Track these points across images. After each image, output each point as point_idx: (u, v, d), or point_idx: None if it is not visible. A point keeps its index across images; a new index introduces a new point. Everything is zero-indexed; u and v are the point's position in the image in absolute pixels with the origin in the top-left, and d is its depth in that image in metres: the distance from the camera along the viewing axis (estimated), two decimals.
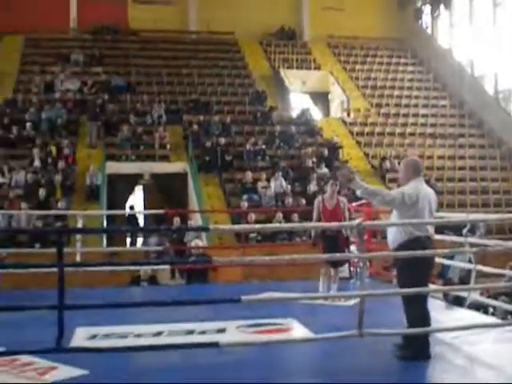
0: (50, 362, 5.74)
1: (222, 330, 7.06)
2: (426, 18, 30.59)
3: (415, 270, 5.91)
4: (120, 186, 21.68)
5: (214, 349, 5.76)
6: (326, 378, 5.57)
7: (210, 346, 5.66)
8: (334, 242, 8.84)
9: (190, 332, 7.01)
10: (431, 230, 6.15)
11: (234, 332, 7.03)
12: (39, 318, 6.38)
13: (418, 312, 5.98)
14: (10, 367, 5.70)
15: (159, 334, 6.95)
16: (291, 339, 6.63)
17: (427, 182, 6.49)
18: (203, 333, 6.99)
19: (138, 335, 6.89)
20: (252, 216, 16.25)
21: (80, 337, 6.76)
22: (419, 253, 5.72)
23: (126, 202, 23.97)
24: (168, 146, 21.16)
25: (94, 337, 6.87)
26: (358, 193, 6.13)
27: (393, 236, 6.12)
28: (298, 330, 7.06)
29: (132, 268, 11.02)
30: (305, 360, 6.22)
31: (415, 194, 5.98)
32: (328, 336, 5.79)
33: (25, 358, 5.82)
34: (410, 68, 29.03)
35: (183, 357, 5.98)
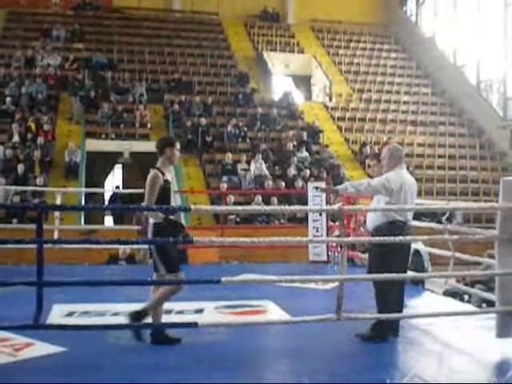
0: (27, 338, 5.72)
1: (199, 311, 7.09)
2: (411, 4, 30.59)
3: (390, 254, 5.96)
4: (99, 164, 21.58)
5: (192, 329, 5.78)
6: (300, 360, 5.61)
7: (188, 326, 5.65)
8: None
9: (168, 312, 6.96)
10: (410, 217, 6.20)
11: (212, 313, 7.05)
12: (15, 295, 6.36)
13: (389, 298, 6.04)
14: None
15: None
16: (269, 321, 6.64)
17: (406, 169, 6.53)
18: (181, 312, 7.00)
19: (116, 313, 6.87)
20: (231, 198, 16.25)
21: (57, 314, 6.75)
22: (399, 238, 5.77)
23: (105, 179, 23.89)
24: (148, 125, 21.00)
25: (71, 314, 6.87)
26: (347, 193, 6.22)
27: (372, 218, 6.22)
28: (276, 313, 7.09)
29: (110, 246, 10.97)
30: (281, 342, 6.24)
31: (399, 182, 6.08)
32: (306, 319, 5.80)
33: (1, 334, 5.79)
34: (393, 55, 29.03)
35: None
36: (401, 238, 5.68)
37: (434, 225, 7.45)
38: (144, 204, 5.77)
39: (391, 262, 5.94)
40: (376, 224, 6.17)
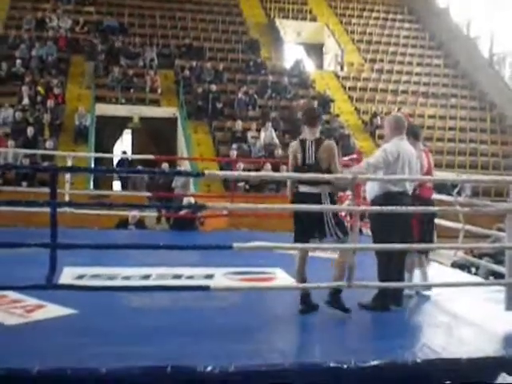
0: (39, 300, 5.75)
1: (209, 276, 7.11)
2: None
3: (389, 224, 6.00)
4: (108, 129, 21.57)
5: (202, 294, 5.81)
6: (309, 327, 5.65)
7: (200, 289, 5.67)
8: None
9: (178, 276, 7.04)
10: (409, 186, 6.23)
11: (221, 278, 7.07)
12: (26, 257, 6.38)
13: (389, 267, 6.09)
14: None
15: (147, 277, 7.00)
16: (280, 287, 6.67)
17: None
18: (191, 278, 7.03)
19: (126, 277, 6.92)
20: (241, 165, 16.22)
21: (67, 276, 6.76)
22: (404, 209, 5.79)
23: (113, 144, 23.90)
24: (159, 91, 20.96)
25: (81, 277, 6.90)
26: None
27: (369, 189, 6.31)
28: (286, 280, 7.11)
29: (122, 212, 11.02)
30: (291, 309, 6.26)
31: (396, 152, 6.11)
32: (317, 285, 5.82)
33: (13, 295, 5.84)
34: (406, 25, 28.74)
35: (172, 300, 6.02)
36: (405, 208, 5.70)
37: (444, 197, 7.42)
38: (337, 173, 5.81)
39: (390, 232, 5.96)
40: (372, 195, 6.25)
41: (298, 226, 5.91)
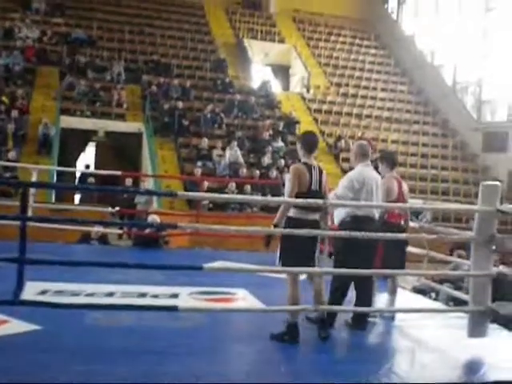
0: (1, 314, 5.65)
1: (174, 296, 7.06)
2: (393, 2, 30.72)
3: (350, 248, 6.08)
4: (72, 142, 21.34)
5: (164, 313, 5.80)
6: (273, 348, 5.67)
7: (169, 309, 5.64)
8: None
9: (143, 295, 6.98)
10: (375, 211, 6.38)
11: (186, 298, 7.04)
12: None
13: (337, 290, 6.19)
14: None
15: (111, 294, 6.93)
16: (246, 308, 6.66)
17: (375, 167, 6.71)
18: (156, 297, 6.97)
19: (90, 294, 6.84)
20: (205, 184, 16.19)
21: (30, 292, 6.61)
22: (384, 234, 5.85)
23: (77, 158, 23.67)
24: (125, 105, 20.87)
25: (44, 292, 6.80)
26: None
27: (337, 213, 6.44)
28: (251, 301, 7.11)
29: (91, 228, 10.96)
30: (255, 330, 6.26)
31: (361, 178, 6.28)
32: (283, 308, 5.82)
33: None
34: (372, 51, 29.17)
35: (137, 318, 5.97)
36: (363, 233, 5.76)
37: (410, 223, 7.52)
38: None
39: (352, 255, 6.04)
40: (339, 219, 6.37)
41: (296, 250, 5.68)
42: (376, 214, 6.39)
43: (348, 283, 6.31)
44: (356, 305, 6.27)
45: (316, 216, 5.76)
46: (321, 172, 5.87)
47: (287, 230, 5.62)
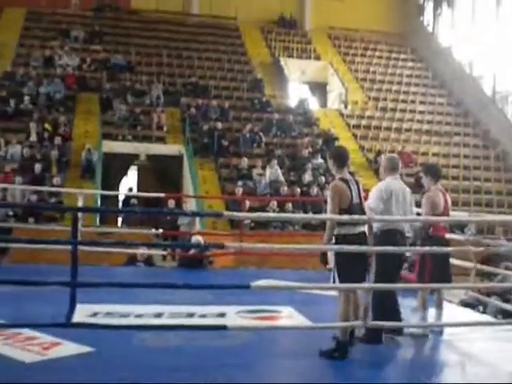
0: (54, 337, 5.77)
1: (222, 315, 7.11)
2: (428, 15, 30.59)
3: (385, 260, 6.15)
4: (115, 166, 21.65)
5: (215, 332, 5.84)
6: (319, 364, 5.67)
7: (217, 328, 5.69)
8: None
9: (191, 315, 7.05)
10: (405, 225, 6.42)
11: (234, 317, 7.07)
12: (37, 293, 6.40)
13: (384, 306, 6.17)
14: (13, 340, 5.74)
15: (160, 315, 7.00)
16: (294, 326, 6.67)
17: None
18: (203, 316, 7.03)
19: (139, 315, 6.93)
20: (247, 203, 16.26)
21: (81, 314, 6.72)
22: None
23: (120, 181, 23.99)
24: (165, 128, 21.14)
25: (95, 314, 6.89)
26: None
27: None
28: (299, 319, 7.12)
29: (136, 250, 11.10)
30: (303, 347, 6.26)
31: (389, 189, 6.37)
32: (331, 325, 5.83)
33: (28, 332, 5.85)
34: (409, 64, 29.06)
35: (185, 338, 6.03)
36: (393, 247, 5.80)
37: (455, 236, 7.48)
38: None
39: (386, 269, 6.13)
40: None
41: (353, 266, 5.71)
42: (405, 228, 6.43)
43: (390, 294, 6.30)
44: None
45: (362, 228, 5.81)
46: (357, 184, 5.94)
47: (345, 248, 5.66)
